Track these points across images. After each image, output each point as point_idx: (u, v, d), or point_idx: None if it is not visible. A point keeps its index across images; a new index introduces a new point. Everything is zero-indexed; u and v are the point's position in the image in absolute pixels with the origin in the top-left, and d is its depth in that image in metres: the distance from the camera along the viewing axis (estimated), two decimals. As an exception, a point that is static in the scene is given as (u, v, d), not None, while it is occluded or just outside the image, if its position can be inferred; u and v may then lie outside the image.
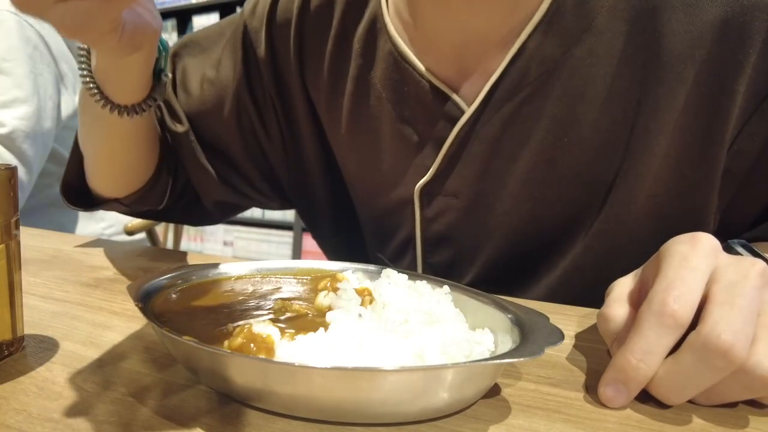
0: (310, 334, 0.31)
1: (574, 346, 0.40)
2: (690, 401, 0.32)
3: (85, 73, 0.48)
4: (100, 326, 0.40)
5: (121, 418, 0.29)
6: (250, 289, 0.42)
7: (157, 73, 0.50)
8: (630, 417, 0.31)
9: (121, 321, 0.41)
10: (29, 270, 0.53)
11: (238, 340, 0.31)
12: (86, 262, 0.57)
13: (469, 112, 0.50)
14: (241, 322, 0.34)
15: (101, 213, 1.17)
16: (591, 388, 0.33)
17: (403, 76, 0.53)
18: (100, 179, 0.59)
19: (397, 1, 0.53)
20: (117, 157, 0.56)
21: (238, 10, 0.65)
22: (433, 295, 0.38)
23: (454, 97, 0.50)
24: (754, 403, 0.32)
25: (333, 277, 0.41)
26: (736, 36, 0.43)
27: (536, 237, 0.52)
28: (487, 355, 0.32)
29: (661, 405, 0.32)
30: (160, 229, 1.53)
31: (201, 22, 2.95)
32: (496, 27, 0.48)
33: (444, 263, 0.57)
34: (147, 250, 0.67)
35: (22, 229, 0.37)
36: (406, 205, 0.56)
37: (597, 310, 0.45)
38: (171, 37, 3.10)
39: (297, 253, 2.84)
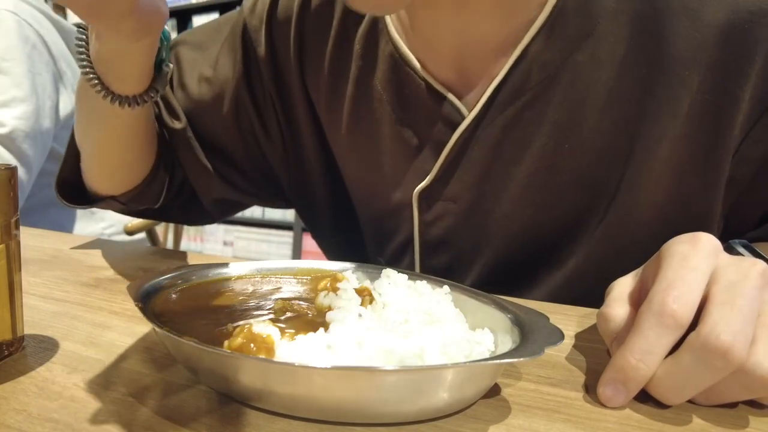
0: (310, 334, 0.31)
1: (574, 346, 0.40)
2: (690, 401, 0.32)
3: (84, 63, 0.46)
4: (100, 326, 0.40)
5: (121, 418, 0.29)
6: (250, 289, 0.42)
7: (158, 64, 0.49)
8: (630, 417, 0.31)
9: (121, 321, 0.41)
10: (29, 270, 0.53)
11: (238, 340, 0.31)
12: (86, 262, 0.57)
13: (470, 117, 0.49)
14: (241, 322, 0.34)
15: (101, 213, 1.17)
16: (591, 388, 0.33)
17: (403, 78, 0.52)
18: (96, 175, 0.59)
19: None
20: (114, 153, 0.56)
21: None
22: (433, 295, 0.38)
23: (455, 101, 0.50)
24: (753, 404, 0.32)
25: (333, 277, 0.41)
26: (741, 42, 0.43)
27: (536, 243, 0.52)
28: (487, 355, 0.32)
29: (660, 405, 0.32)
30: (160, 229, 1.53)
31: (201, 22, 2.94)
32: (492, 31, 0.47)
33: (442, 267, 0.57)
34: (147, 250, 0.67)
35: (22, 229, 0.37)
36: (405, 208, 0.56)
37: (597, 310, 0.46)
38: (171, 38, 3.09)
39: (297, 253, 2.84)
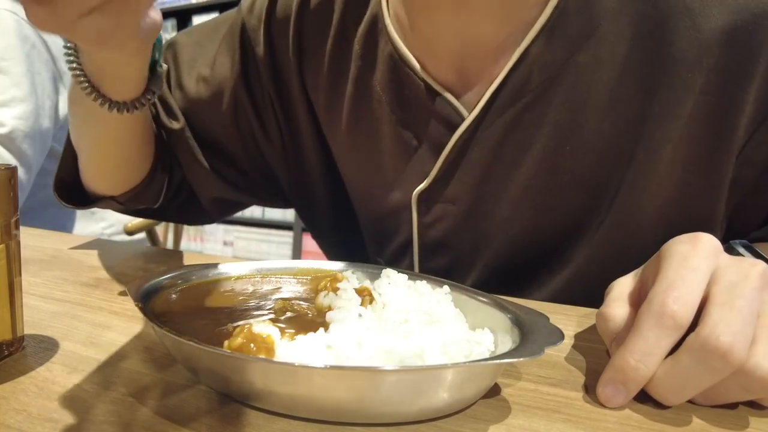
0: (310, 334, 0.31)
1: (574, 346, 0.40)
2: (689, 401, 0.32)
3: (77, 72, 0.45)
4: (100, 326, 0.40)
5: (121, 418, 0.29)
6: (250, 289, 0.42)
7: (152, 65, 0.49)
8: (630, 417, 0.31)
9: (121, 321, 0.41)
10: (29, 270, 0.53)
11: (238, 340, 0.31)
12: (86, 262, 0.57)
13: (470, 118, 0.49)
14: (241, 322, 0.34)
15: (101, 213, 1.17)
16: (591, 388, 0.33)
17: (403, 79, 0.52)
18: (94, 177, 0.58)
19: (395, 4, 0.53)
20: (111, 155, 0.55)
21: (238, 9, 0.64)
22: (433, 295, 0.38)
23: (455, 102, 0.50)
24: (753, 404, 0.32)
25: (333, 277, 0.41)
26: (744, 44, 0.43)
27: (536, 245, 0.52)
28: (487, 355, 0.32)
29: (660, 405, 0.32)
30: (160, 229, 1.53)
31: (201, 22, 2.95)
32: (492, 32, 0.47)
33: (442, 269, 0.57)
34: (147, 250, 0.67)
35: (22, 229, 0.37)
36: (404, 209, 0.56)
37: (596, 311, 0.46)
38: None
39: (297, 253, 2.84)
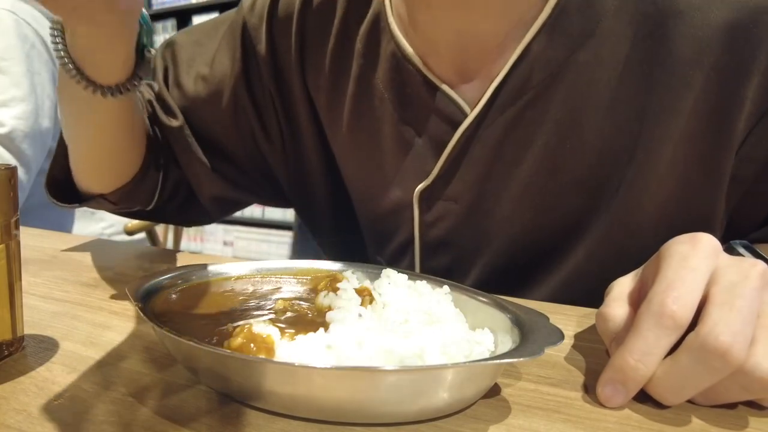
0: (310, 334, 0.31)
1: (575, 346, 0.40)
2: (689, 401, 0.32)
3: (62, 54, 0.44)
4: (100, 326, 0.40)
5: (121, 418, 0.29)
6: (250, 289, 0.42)
7: (141, 51, 0.48)
8: (630, 417, 0.31)
9: (121, 321, 0.41)
10: (29, 270, 0.53)
11: (238, 340, 0.31)
12: (86, 262, 0.57)
13: (471, 115, 0.49)
14: (241, 322, 0.34)
15: (101, 213, 1.17)
16: (591, 388, 0.33)
17: (405, 77, 0.52)
18: (82, 171, 0.57)
19: (397, 2, 0.53)
20: (98, 145, 0.54)
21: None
22: (433, 295, 0.38)
23: (457, 99, 0.50)
24: (753, 404, 0.32)
25: (333, 277, 0.41)
26: (744, 41, 0.43)
27: (537, 244, 0.52)
28: (487, 355, 0.32)
29: (660, 405, 0.32)
30: (160, 229, 1.53)
31: (201, 21, 2.95)
32: (493, 30, 0.47)
33: (442, 268, 0.57)
34: (147, 250, 0.67)
35: (22, 229, 0.37)
36: (405, 208, 0.56)
37: (596, 311, 0.45)
38: (170, 37, 3.10)
39: (297, 253, 2.84)
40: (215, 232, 3.15)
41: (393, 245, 0.59)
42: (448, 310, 0.37)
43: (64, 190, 0.59)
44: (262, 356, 0.30)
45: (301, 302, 0.39)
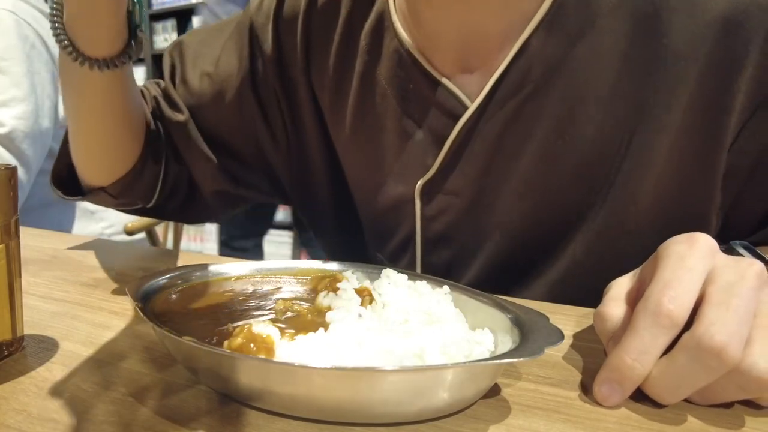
0: (310, 334, 0.31)
1: (574, 346, 0.40)
2: (687, 400, 0.32)
3: (57, 25, 0.47)
4: (100, 326, 0.40)
5: (121, 418, 0.29)
6: (250, 289, 0.42)
7: (133, 30, 0.50)
8: (629, 417, 0.31)
9: (121, 321, 0.41)
10: (29, 270, 0.53)
11: (238, 340, 0.31)
12: (86, 262, 0.57)
13: (471, 108, 0.50)
14: (241, 322, 0.34)
15: (101, 213, 1.17)
16: (590, 388, 0.33)
17: (408, 73, 0.53)
18: (80, 158, 0.58)
19: (400, 0, 0.54)
20: (91, 127, 0.55)
21: (238, 10, 0.65)
22: (433, 295, 0.38)
23: (458, 93, 0.51)
24: (751, 404, 0.32)
25: (333, 277, 0.41)
26: (737, 34, 0.43)
27: (536, 236, 0.52)
28: (487, 355, 0.32)
29: (660, 405, 0.32)
30: (160, 229, 1.53)
31: (201, 22, 2.95)
32: (493, 25, 0.48)
33: (443, 263, 0.57)
34: (147, 250, 0.67)
35: (22, 229, 0.37)
36: (407, 203, 0.56)
37: (595, 310, 0.45)
38: (171, 37, 3.10)
39: (297, 253, 2.84)
40: (215, 232, 3.15)
41: (394, 242, 0.60)
42: (448, 310, 0.37)
43: (68, 185, 0.60)
44: (262, 356, 0.30)
45: (301, 302, 0.39)
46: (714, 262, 0.32)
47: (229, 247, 2.37)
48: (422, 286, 0.39)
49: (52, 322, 0.41)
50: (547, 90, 0.48)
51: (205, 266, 0.43)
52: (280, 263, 0.45)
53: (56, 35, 0.47)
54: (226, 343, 0.31)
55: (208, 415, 0.29)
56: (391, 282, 0.40)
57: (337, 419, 0.29)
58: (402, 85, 0.54)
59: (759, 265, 0.31)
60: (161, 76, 0.65)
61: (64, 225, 1.11)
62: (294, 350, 0.30)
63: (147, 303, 0.36)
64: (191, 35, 0.65)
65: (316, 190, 0.65)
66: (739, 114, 0.45)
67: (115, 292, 0.48)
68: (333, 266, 0.45)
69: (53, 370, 0.34)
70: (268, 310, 0.38)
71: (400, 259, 0.60)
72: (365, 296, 0.38)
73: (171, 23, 3.09)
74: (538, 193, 0.50)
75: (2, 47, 0.92)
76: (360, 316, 0.35)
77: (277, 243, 2.95)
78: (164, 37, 3.15)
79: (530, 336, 0.32)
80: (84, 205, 1.12)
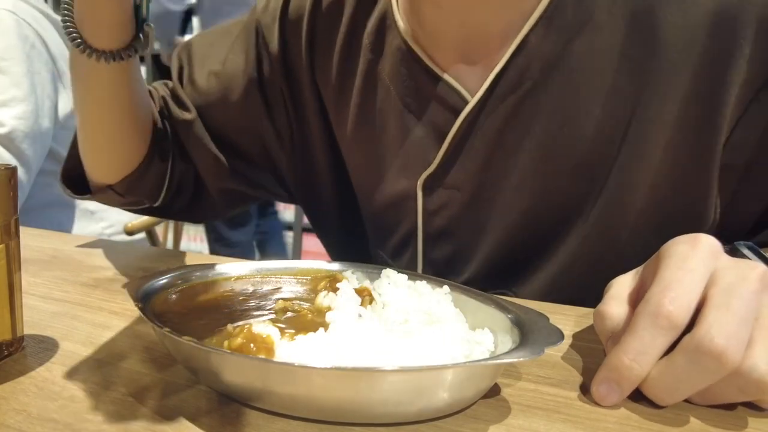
0: (310, 334, 0.31)
1: (574, 346, 0.40)
2: (687, 401, 0.32)
3: (66, 17, 0.49)
4: (100, 326, 0.40)
5: (121, 418, 0.29)
6: (250, 289, 0.42)
7: (141, 24, 0.51)
8: (629, 417, 0.31)
9: (121, 321, 0.41)
10: (29, 270, 0.53)
11: (238, 340, 0.31)
12: (86, 262, 0.57)
13: (472, 102, 0.51)
14: (241, 322, 0.34)
15: (101, 213, 1.17)
16: (590, 388, 0.33)
17: (410, 69, 0.54)
18: (87, 155, 0.59)
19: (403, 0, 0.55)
20: (97, 120, 0.56)
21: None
22: (433, 295, 0.38)
23: (459, 88, 0.52)
24: (752, 405, 0.32)
25: (333, 277, 0.41)
26: (728, 27, 0.44)
27: (535, 229, 0.53)
28: (487, 355, 0.32)
29: (660, 405, 0.32)
30: (160, 229, 1.53)
31: (200, 22, 2.94)
32: (493, 22, 0.49)
33: (444, 258, 0.58)
34: (147, 250, 0.67)
35: (21, 229, 0.37)
36: (409, 198, 0.57)
37: (595, 309, 0.45)
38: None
39: (297, 253, 2.84)
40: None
41: (395, 238, 0.60)
42: (448, 310, 0.37)
43: (77, 185, 0.61)
44: (262, 356, 0.30)
45: (301, 302, 0.39)
46: (716, 264, 0.32)
47: (221, 242, 2.37)
48: (422, 286, 0.39)
49: (52, 322, 0.41)
50: (546, 86, 0.49)
51: (205, 266, 0.43)
52: (280, 263, 0.45)
53: (66, 27, 0.49)
54: (226, 343, 0.31)
55: (208, 415, 0.29)
56: (391, 282, 0.40)
57: (337, 419, 0.29)
58: (404, 81, 0.55)
59: (762, 267, 0.31)
60: (161, 75, 0.66)
61: (64, 225, 1.11)
62: (294, 350, 0.30)
63: (147, 303, 0.36)
64: (199, 37, 0.67)
65: (320, 190, 0.66)
66: (735, 106, 0.46)
67: (115, 292, 0.48)
68: (333, 266, 0.45)
69: (53, 370, 0.34)
70: (268, 310, 0.38)
71: (401, 256, 0.60)
72: (365, 296, 0.38)
73: (171, 23, 3.08)
74: (537, 187, 0.51)
75: (2, 47, 0.92)
76: (360, 316, 0.35)
77: (277, 243, 2.95)
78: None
79: (530, 336, 0.32)
80: (84, 205, 1.12)
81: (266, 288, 0.42)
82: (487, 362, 0.29)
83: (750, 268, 0.31)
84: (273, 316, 0.37)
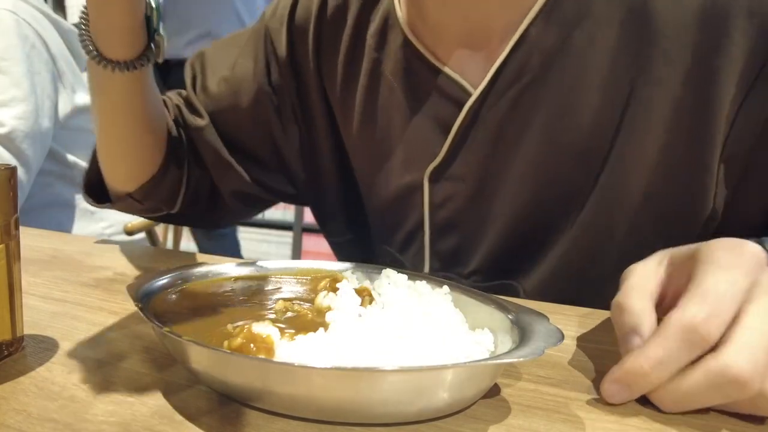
0: (310, 334, 0.31)
1: (574, 346, 0.40)
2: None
3: (83, 30, 0.50)
4: (100, 326, 0.40)
5: (121, 418, 0.29)
6: (250, 289, 0.42)
7: (152, 35, 0.52)
8: (630, 417, 0.31)
9: (121, 321, 0.41)
10: (29, 270, 0.53)
11: (238, 340, 0.31)
12: (86, 262, 0.57)
13: (475, 94, 0.52)
14: (241, 322, 0.34)
15: (101, 213, 1.17)
16: (591, 389, 0.33)
17: (413, 66, 0.55)
18: (105, 163, 0.60)
19: None
20: (113, 129, 0.57)
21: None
22: (433, 295, 0.38)
23: (462, 81, 0.53)
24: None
25: (333, 277, 0.41)
26: (717, 17, 0.45)
27: (537, 218, 0.54)
28: (487, 355, 0.32)
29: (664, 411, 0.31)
30: (159, 229, 1.53)
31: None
32: (495, 16, 0.50)
33: (450, 250, 0.58)
34: (147, 250, 0.67)
35: (21, 229, 0.37)
36: (415, 192, 0.58)
37: (596, 311, 0.45)
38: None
39: (297, 253, 2.84)
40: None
41: (402, 232, 0.61)
42: (448, 310, 0.37)
43: (99, 194, 0.63)
44: (262, 356, 0.30)
45: (301, 302, 0.39)
46: (759, 278, 0.30)
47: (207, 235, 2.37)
48: (422, 286, 0.39)
49: (52, 322, 0.41)
50: (546, 79, 0.50)
51: (205, 266, 0.43)
52: (280, 263, 0.45)
53: (81, 39, 0.50)
54: (226, 343, 0.31)
55: (208, 415, 0.29)
56: (391, 282, 0.40)
57: (337, 419, 0.29)
58: (408, 78, 0.56)
59: None
60: (165, 82, 0.67)
61: (64, 225, 1.11)
62: (294, 350, 0.30)
63: (147, 303, 0.36)
64: (212, 46, 0.68)
65: (327, 191, 0.67)
66: (735, 95, 0.46)
67: (115, 292, 0.48)
68: (333, 266, 0.45)
69: (53, 370, 0.34)
70: (268, 310, 0.38)
71: (408, 250, 0.61)
72: (365, 296, 0.38)
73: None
74: (539, 177, 0.52)
75: (2, 47, 0.92)
76: (360, 316, 0.35)
77: (277, 243, 2.95)
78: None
79: (530, 336, 0.32)
80: (84, 205, 1.11)
81: (266, 288, 0.42)
82: (487, 362, 0.29)
83: None
84: (273, 316, 0.37)
